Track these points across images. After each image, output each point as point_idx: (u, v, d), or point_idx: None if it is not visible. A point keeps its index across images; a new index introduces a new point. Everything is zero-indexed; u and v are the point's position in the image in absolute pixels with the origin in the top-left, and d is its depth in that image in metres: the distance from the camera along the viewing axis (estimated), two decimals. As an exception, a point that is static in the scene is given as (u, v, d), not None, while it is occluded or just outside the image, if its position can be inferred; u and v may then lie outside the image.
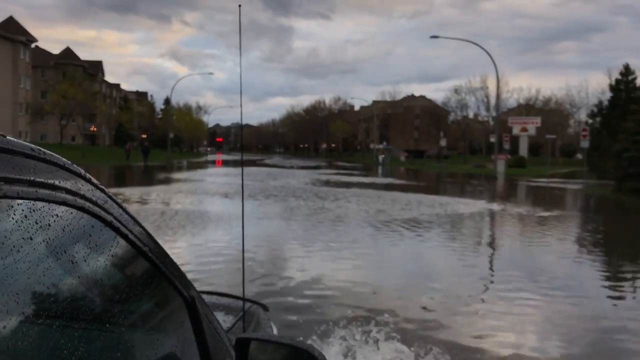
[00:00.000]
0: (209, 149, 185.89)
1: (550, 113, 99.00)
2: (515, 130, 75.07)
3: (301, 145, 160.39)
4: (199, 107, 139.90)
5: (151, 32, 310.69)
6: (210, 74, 76.11)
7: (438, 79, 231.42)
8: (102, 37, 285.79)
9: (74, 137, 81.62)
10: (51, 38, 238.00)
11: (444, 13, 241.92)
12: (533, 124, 75.88)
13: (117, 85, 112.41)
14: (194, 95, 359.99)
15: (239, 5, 1.68)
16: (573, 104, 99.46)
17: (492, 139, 51.35)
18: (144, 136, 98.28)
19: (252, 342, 1.44)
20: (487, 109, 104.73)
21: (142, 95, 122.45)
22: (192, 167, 48.72)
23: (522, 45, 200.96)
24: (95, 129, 78.24)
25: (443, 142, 63.64)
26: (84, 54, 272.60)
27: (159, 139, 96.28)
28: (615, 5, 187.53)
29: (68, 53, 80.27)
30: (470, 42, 44.08)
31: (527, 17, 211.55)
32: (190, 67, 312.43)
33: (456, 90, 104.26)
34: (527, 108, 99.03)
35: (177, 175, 33.12)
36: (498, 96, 42.88)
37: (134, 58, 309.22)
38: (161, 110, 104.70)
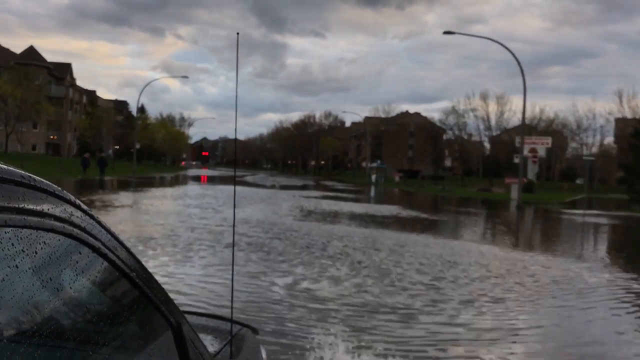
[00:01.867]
0: (194, 162, 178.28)
1: (553, 134, 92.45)
2: (525, 152, 68.02)
3: (289, 162, 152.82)
4: (183, 119, 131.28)
5: (144, 45, 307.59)
6: (185, 77, 67.75)
7: (429, 100, 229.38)
8: (94, 49, 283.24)
9: (34, 145, 73.36)
10: (44, 48, 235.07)
11: (436, 35, 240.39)
12: (543, 145, 68.72)
13: (92, 92, 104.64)
14: (185, 109, 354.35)
15: (237, 34, 1.74)
16: (580, 124, 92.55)
17: (516, 160, 44.26)
18: (117, 147, 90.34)
19: None
20: (488, 127, 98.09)
21: (121, 104, 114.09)
22: (153, 184, 40.78)
23: (512, 68, 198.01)
24: (55, 138, 69.97)
25: (448, 162, 55.90)
26: (75, 65, 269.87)
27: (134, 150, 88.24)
28: (606, 32, 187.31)
29: (31, 53, 72.28)
30: (491, 40, 37.04)
31: (518, 41, 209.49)
32: (182, 81, 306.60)
33: (454, 108, 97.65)
34: (529, 128, 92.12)
35: (114, 196, 25.20)
36: (524, 106, 35.59)
37: (125, 70, 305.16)
38: (135, 118, 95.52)
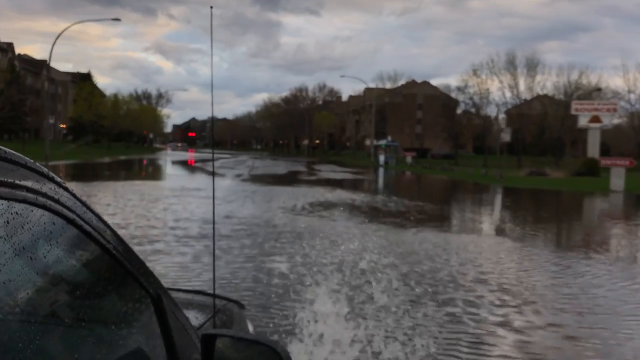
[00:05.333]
0: (179, 144, 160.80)
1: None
2: (583, 121, 51.15)
3: (281, 142, 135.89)
4: (160, 95, 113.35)
5: (136, 26, 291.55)
6: (117, 19, 49.80)
7: (425, 77, 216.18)
8: (85, 30, 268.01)
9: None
10: (33, 31, 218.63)
11: (432, 11, 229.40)
12: (609, 111, 51.92)
13: (42, 62, 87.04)
14: (179, 91, 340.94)
15: (211, 7, 1.70)
16: (632, 90, 74.47)
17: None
18: (63, 126, 73.48)
19: (219, 339, 1.45)
20: (518, 96, 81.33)
21: (79, 78, 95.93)
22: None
23: (509, 44, 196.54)
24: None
25: (506, 136, 38.39)
26: (66, 48, 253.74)
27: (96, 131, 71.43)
28: (602, 6, 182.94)
29: None
30: None
31: (514, 16, 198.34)
32: (176, 61, 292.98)
33: (475, 73, 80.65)
34: (565, 95, 75.12)
35: None
36: None
37: (117, 52, 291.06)
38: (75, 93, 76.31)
